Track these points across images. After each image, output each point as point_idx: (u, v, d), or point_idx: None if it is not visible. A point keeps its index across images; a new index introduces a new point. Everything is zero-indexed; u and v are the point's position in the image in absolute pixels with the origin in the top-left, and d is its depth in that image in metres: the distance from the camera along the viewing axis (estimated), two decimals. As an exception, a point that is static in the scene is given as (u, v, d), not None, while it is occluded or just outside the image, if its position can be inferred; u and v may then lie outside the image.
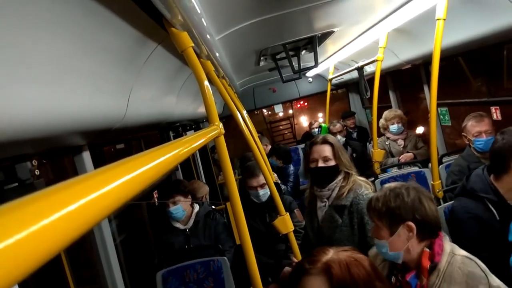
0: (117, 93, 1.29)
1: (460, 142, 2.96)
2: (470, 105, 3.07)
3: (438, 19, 1.95)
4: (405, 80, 4.34)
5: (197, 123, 4.16)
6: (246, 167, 2.67)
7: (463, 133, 2.45)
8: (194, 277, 2.22)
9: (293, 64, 3.03)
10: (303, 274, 0.88)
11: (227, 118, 5.05)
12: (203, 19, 1.19)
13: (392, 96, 4.40)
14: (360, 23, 2.51)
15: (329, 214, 1.75)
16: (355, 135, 5.16)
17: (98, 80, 1.10)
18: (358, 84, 3.66)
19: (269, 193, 2.39)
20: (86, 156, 1.81)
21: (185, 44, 1.07)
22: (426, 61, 2.99)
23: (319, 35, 2.62)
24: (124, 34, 1.10)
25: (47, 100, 0.86)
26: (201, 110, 3.28)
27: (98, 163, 1.92)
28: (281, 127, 9.87)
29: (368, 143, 4.72)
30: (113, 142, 2.89)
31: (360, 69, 3.52)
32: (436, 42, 2.01)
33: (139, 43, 1.24)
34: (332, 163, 1.75)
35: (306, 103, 10.11)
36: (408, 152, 3.49)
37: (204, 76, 1.12)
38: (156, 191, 2.98)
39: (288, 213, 1.79)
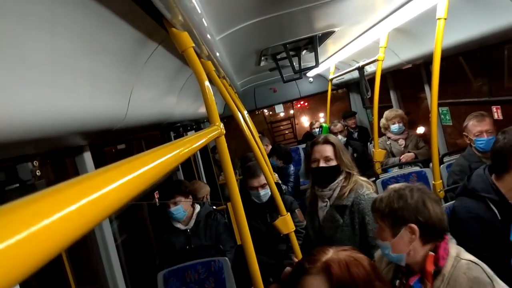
0: (118, 93, 1.29)
1: (461, 141, 2.97)
2: (471, 104, 3.07)
3: (438, 19, 1.95)
4: (405, 80, 4.33)
5: (198, 123, 4.16)
6: (247, 167, 2.67)
7: (464, 133, 2.45)
8: (195, 278, 2.22)
9: (294, 64, 3.03)
10: (302, 274, 0.88)
11: (228, 118, 5.06)
12: (203, 19, 1.19)
13: (393, 95, 4.40)
14: (360, 23, 2.50)
15: (330, 214, 1.75)
16: (356, 135, 5.15)
17: (99, 81, 1.10)
18: (359, 84, 3.66)
19: (270, 193, 2.39)
20: (87, 156, 1.81)
21: (185, 44, 1.07)
22: (426, 60, 2.98)
23: (320, 35, 2.62)
24: (125, 34, 1.10)
25: (48, 100, 0.86)
26: (202, 110, 3.28)
27: (99, 163, 1.91)
28: (282, 127, 9.88)
29: (369, 143, 4.71)
30: (114, 143, 2.89)
31: (360, 69, 3.52)
32: (437, 41, 2.01)
33: (139, 43, 1.24)
34: (333, 163, 1.75)
35: (306, 103, 10.12)
36: (409, 152, 3.48)
37: (204, 76, 1.12)
38: (157, 191, 2.98)
39: (289, 213, 1.79)
